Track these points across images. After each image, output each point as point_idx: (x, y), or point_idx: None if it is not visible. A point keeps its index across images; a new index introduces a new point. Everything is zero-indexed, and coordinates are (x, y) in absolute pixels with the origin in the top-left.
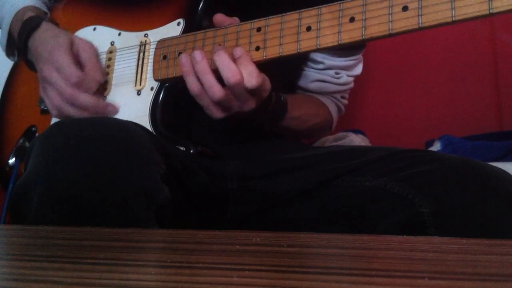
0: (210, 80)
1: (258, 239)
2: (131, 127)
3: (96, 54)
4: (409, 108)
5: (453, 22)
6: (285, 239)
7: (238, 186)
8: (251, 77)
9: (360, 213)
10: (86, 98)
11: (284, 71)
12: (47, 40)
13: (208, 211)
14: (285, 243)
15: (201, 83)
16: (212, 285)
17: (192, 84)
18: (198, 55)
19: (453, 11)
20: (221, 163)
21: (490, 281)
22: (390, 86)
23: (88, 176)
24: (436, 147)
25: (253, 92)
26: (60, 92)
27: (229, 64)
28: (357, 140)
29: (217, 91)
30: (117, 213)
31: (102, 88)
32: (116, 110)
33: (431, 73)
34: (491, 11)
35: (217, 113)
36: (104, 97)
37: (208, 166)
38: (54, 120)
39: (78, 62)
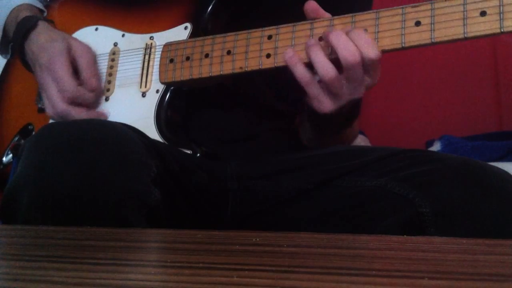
0: (322, 59)
1: (258, 239)
2: (121, 130)
3: (94, 59)
4: (409, 108)
5: (465, 39)
6: (285, 239)
7: (238, 186)
8: (369, 45)
9: (360, 213)
10: (79, 113)
11: None
12: (45, 45)
13: (208, 211)
14: (285, 243)
15: (312, 67)
16: (212, 285)
17: (302, 73)
18: (311, 40)
19: (465, 27)
20: (221, 163)
21: (490, 281)
22: (390, 86)
23: (76, 179)
24: (436, 147)
25: (369, 70)
26: (53, 105)
27: (347, 42)
28: (357, 140)
29: (330, 69)
30: (106, 216)
31: (100, 93)
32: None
33: (431, 73)
34: (502, 30)
35: (327, 104)
36: (107, 97)
37: (208, 166)
38: (51, 119)
39: (75, 68)
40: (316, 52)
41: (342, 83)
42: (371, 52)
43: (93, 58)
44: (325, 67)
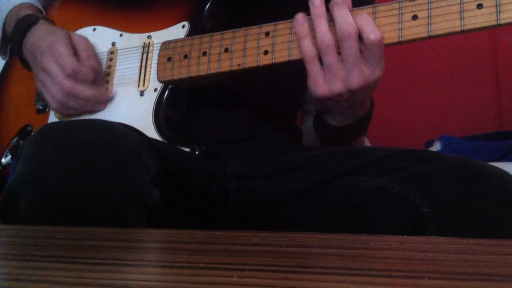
0: (325, 28)
1: (258, 239)
2: (120, 130)
3: (90, 44)
4: (409, 108)
5: (462, 32)
6: (285, 239)
7: (238, 186)
8: (371, 26)
9: (360, 213)
10: (84, 89)
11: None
12: (45, 35)
13: (208, 211)
14: (285, 243)
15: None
16: (212, 285)
17: (308, 47)
18: (319, 10)
19: (462, 20)
20: (221, 163)
21: (490, 281)
22: (390, 86)
23: (76, 180)
24: (436, 147)
25: (368, 56)
26: (59, 85)
27: (347, 15)
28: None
29: (329, 37)
30: (106, 217)
31: (102, 77)
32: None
33: (431, 73)
34: (499, 22)
35: (322, 85)
36: (105, 105)
37: (208, 166)
38: (50, 120)
39: (76, 53)
40: (321, 21)
41: (338, 61)
42: (372, 32)
43: (91, 45)
44: (325, 34)
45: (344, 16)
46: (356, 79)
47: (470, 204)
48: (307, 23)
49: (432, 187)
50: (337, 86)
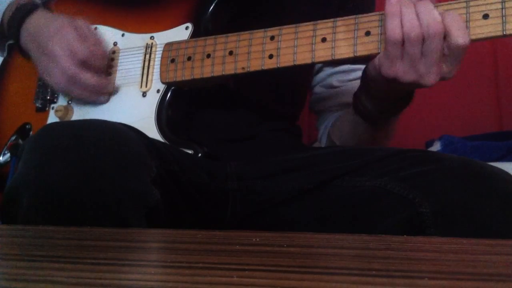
0: (396, 22)
1: (258, 239)
2: (121, 130)
3: (94, 31)
4: (409, 108)
5: (469, 41)
6: (285, 239)
7: (238, 186)
8: (461, 30)
9: (360, 213)
10: (89, 77)
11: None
12: (51, 20)
13: (208, 211)
14: (285, 243)
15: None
16: (212, 285)
17: (395, 27)
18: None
19: (468, 30)
20: (221, 163)
21: (490, 281)
22: None
23: (76, 179)
24: (436, 147)
25: (451, 56)
26: (63, 70)
27: (435, 13)
28: None
29: (417, 25)
30: (106, 216)
31: (106, 66)
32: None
33: None
34: (504, 33)
35: (395, 67)
36: (108, 97)
37: (208, 166)
38: (50, 119)
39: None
40: (393, 15)
41: (421, 54)
42: (461, 36)
43: (95, 31)
44: (415, 24)
45: (432, 13)
46: (434, 77)
47: (470, 204)
48: (399, 5)
49: (432, 187)
50: (411, 77)
